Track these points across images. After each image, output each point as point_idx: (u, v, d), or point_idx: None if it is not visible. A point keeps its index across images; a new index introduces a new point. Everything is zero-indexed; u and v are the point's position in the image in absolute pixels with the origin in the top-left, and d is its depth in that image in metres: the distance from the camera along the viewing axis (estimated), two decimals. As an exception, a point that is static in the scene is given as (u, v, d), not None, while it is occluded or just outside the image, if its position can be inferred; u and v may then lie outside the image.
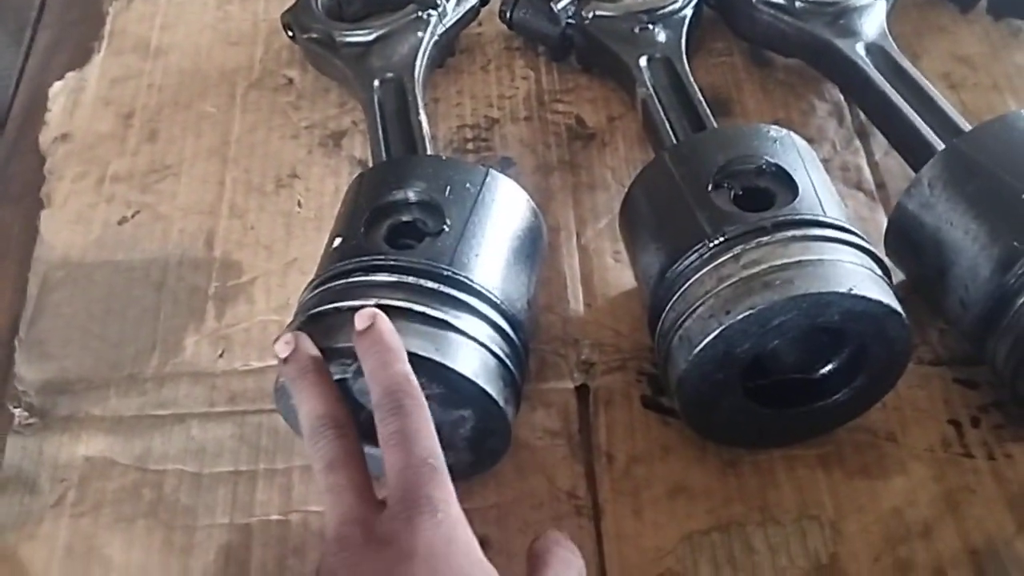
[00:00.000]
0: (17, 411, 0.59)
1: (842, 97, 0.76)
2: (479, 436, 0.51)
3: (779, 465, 0.57)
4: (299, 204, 0.69)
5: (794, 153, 0.56)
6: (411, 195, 0.53)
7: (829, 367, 0.55)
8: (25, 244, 0.68)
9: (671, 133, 0.65)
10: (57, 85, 0.78)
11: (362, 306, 0.47)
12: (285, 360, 0.47)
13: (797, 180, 0.54)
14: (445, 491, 0.43)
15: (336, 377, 0.49)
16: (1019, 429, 0.58)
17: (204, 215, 0.69)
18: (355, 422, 0.52)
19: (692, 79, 0.69)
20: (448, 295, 0.48)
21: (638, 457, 0.57)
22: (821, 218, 0.52)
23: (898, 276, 0.63)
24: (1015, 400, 0.57)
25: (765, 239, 0.51)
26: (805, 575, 0.53)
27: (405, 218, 0.53)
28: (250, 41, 0.81)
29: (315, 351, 0.47)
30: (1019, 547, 0.53)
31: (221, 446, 0.58)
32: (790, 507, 0.55)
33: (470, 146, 0.73)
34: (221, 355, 0.62)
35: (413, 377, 0.45)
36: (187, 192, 0.70)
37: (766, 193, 0.55)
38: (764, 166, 0.55)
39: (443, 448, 0.50)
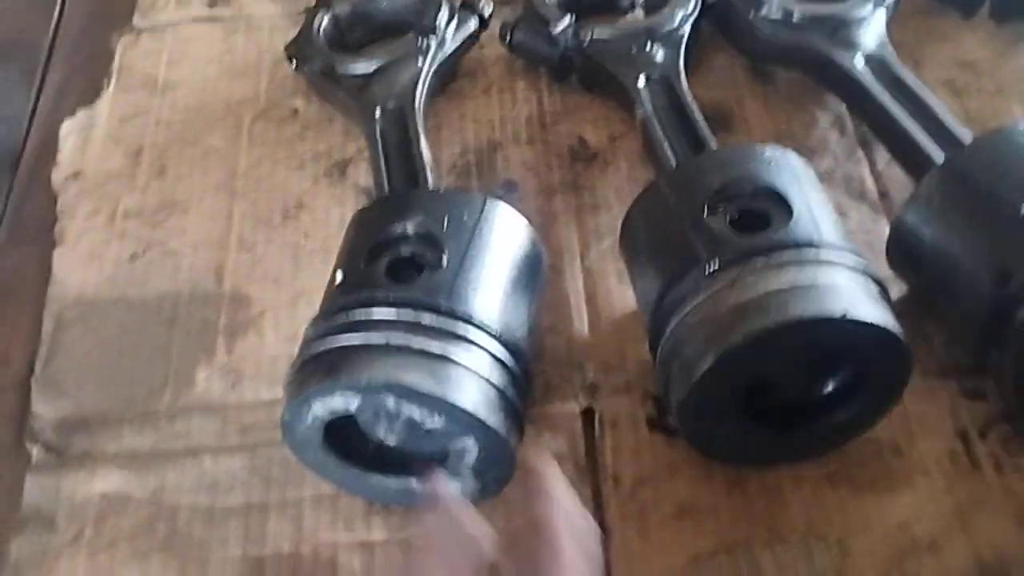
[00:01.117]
0: (35, 449, 0.60)
1: (844, 107, 0.76)
2: (483, 465, 0.51)
3: (786, 483, 0.57)
4: (305, 235, 0.70)
5: (789, 173, 0.57)
6: (409, 229, 0.54)
7: (830, 387, 0.55)
8: (40, 283, 0.69)
9: (670, 153, 0.65)
10: (67, 124, 0.79)
11: (363, 344, 0.48)
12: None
13: (792, 202, 0.54)
14: None
15: (340, 413, 0.50)
16: (1027, 441, 0.58)
17: (213, 249, 0.70)
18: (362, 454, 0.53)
19: (691, 98, 0.69)
20: (446, 330, 0.49)
21: (645, 479, 0.58)
22: (816, 240, 0.52)
23: (903, 287, 0.64)
24: (1022, 413, 0.57)
25: (760, 263, 0.51)
26: (812, 594, 0.53)
27: (405, 252, 0.54)
28: (255, 72, 0.82)
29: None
30: (1028, 561, 0.53)
31: (233, 478, 0.59)
32: (797, 525, 0.56)
33: (474, 170, 0.74)
34: (233, 387, 0.63)
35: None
36: (196, 227, 0.71)
37: (762, 215, 0.55)
38: (760, 188, 0.55)
39: (448, 477, 0.51)
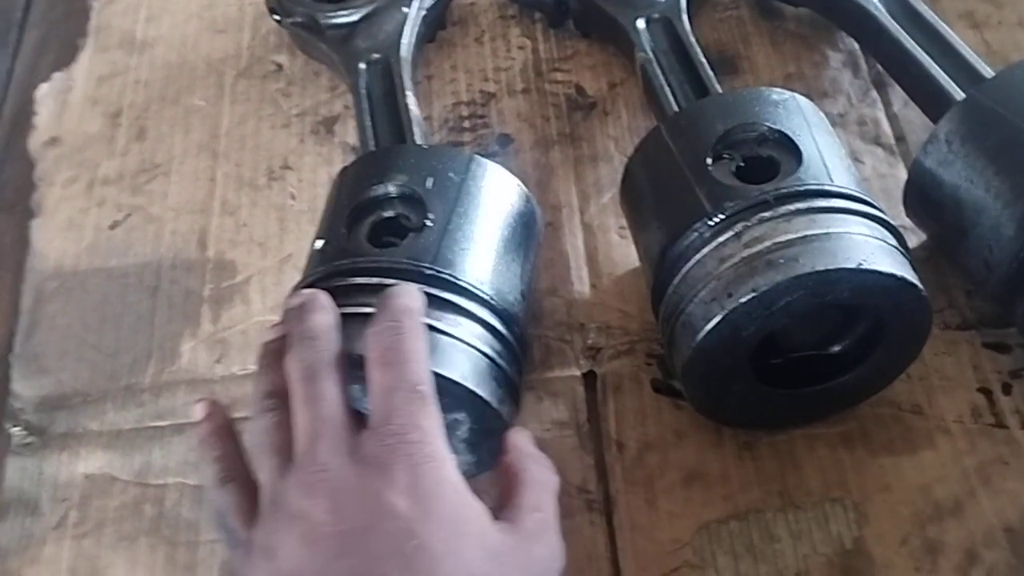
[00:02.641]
0: (15, 430, 0.58)
1: (857, 45, 0.71)
2: (477, 437, 0.49)
3: (799, 445, 0.54)
4: (292, 197, 0.67)
5: (799, 117, 0.53)
6: (392, 189, 0.51)
7: (845, 343, 0.52)
8: (18, 255, 0.67)
9: (672, 99, 0.62)
10: (44, 87, 0.76)
11: (349, 313, 0.45)
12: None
13: (802, 147, 0.51)
14: (434, 423, 0.41)
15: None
16: (1054, 394, 0.55)
17: (196, 214, 0.67)
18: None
19: (694, 39, 0.65)
20: (432, 295, 0.46)
21: (650, 444, 0.55)
22: (828, 187, 0.49)
23: (921, 236, 0.60)
24: (1048, 364, 0.54)
25: (767, 214, 0.48)
26: (828, 562, 0.50)
27: (388, 214, 0.51)
28: (237, 27, 0.78)
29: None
30: (1057, 522, 0.50)
31: (221, 455, 0.56)
32: (812, 489, 0.53)
33: (466, 124, 0.71)
34: (218, 360, 0.60)
35: (419, 306, 0.44)
36: (178, 191, 0.68)
37: (770, 162, 0.51)
38: (767, 133, 0.52)
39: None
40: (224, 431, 0.45)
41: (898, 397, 0.55)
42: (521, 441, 0.45)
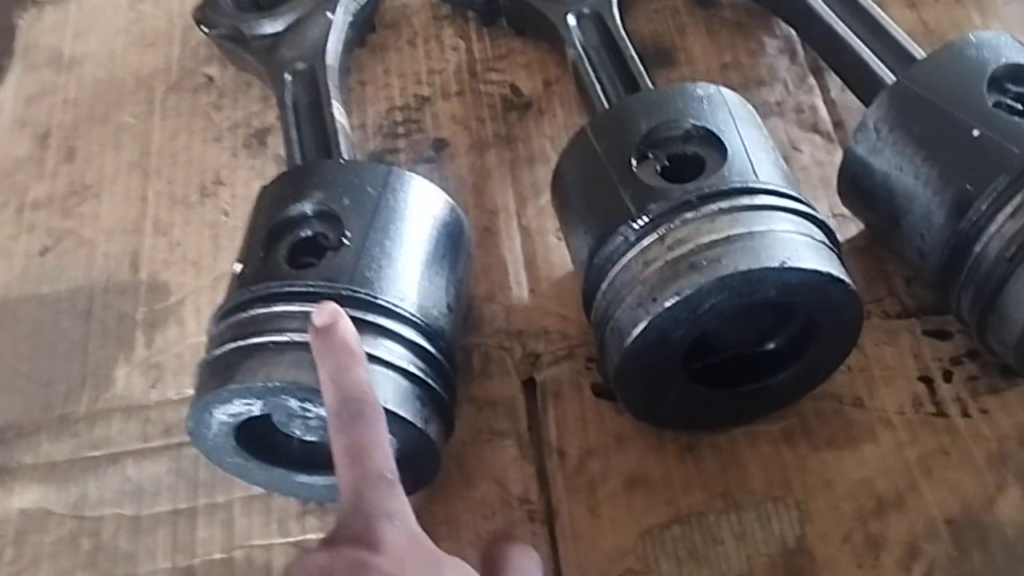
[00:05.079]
0: (-53, 467, 0.57)
1: (794, 32, 0.71)
2: (406, 458, 0.47)
3: (741, 444, 0.54)
4: (225, 213, 0.66)
5: (724, 111, 0.52)
6: (308, 208, 0.50)
7: (778, 341, 0.51)
8: (-51, 285, 0.65)
9: (603, 97, 0.61)
10: (-30, 110, 0.74)
11: (258, 344, 0.44)
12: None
13: (727, 143, 0.50)
14: (401, 504, 0.41)
15: (244, 417, 0.46)
16: (995, 380, 0.54)
17: (128, 235, 0.66)
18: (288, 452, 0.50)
19: (625, 34, 0.64)
20: (351, 317, 0.45)
21: (592, 450, 0.54)
22: (752, 184, 0.48)
23: (861, 225, 0.60)
24: (987, 350, 0.54)
25: (691, 215, 0.47)
26: (771, 562, 0.50)
27: (306, 234, 0.50)
28: (166, 41, 0.77)
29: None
30: (999, 511, 0.50)
31: (158, 484, 0.55)
32: (754, 489, 0.52)
33: (401, 130, 0.69)
34: (153, 385, 0.59)
35: (371, 385, 0.43)
36: (109, 212, 0.67)
37: (696, 160, 0.50)
38: (691, 130, 0.51)
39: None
40: None
41: (839, 390, 0.55)
42: (506, 537, 0.45)
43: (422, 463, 0.48)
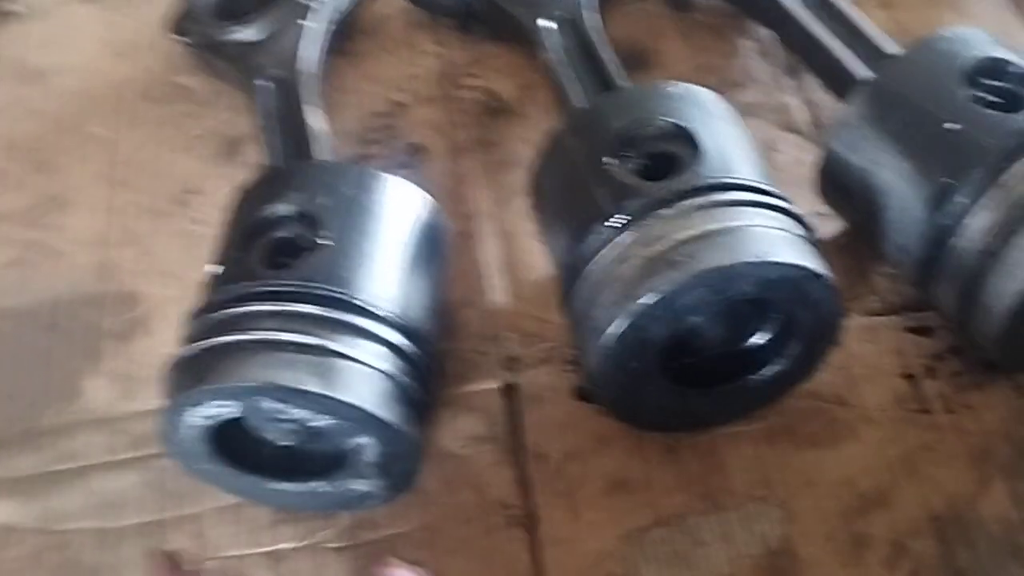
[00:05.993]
0: (-91, 485, 0.55)
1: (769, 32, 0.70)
2: (387, 461, 0.47)
3: (722, 445, 0.53)
4: (195, 222, 0.65)
5: (698, 109, 0.52)
6: (285, 208, 0.49)
7: (758, 339, 0.51)
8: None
9: (577, 99, 0.60)
10: (-64, 123, 0.73)
11: (232, 342, 0.43)
12: None
13: (701, 140, 0.49)
14: None
15: (217, 420, 0.45)
16: (978, 375, 0.54)
17: (96, 246, 0.64)
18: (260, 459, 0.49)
19: (599, 37, 0.64)
20: (327, 318, 0.44)
21: (572, 454, 0.53)
22: (728, 180, 0.47)
23: (841, 222, 0.60)
24: (970, 345, 0.53)
25: (666, 212, 0.46)
26: (755, 564, 0.49)
27: (283, 234, 0.49)
28: (138, 49, 0.75)
29: None
30: (984, 507, 0.49)
31: (125, 496, 0.54)
32: (736, 489, 0.51)
33: (377, 136, 0.69)
34: (121, 396, 0.58)
35: None
36: (77, 223, 0.66)
37: (671, 158, 0.50)
38: (665, 128, 0.50)
39: (351, 477, 0.46)
40: None
41: (821, 389, 0.54)
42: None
43: (402, 466, 0.47)
